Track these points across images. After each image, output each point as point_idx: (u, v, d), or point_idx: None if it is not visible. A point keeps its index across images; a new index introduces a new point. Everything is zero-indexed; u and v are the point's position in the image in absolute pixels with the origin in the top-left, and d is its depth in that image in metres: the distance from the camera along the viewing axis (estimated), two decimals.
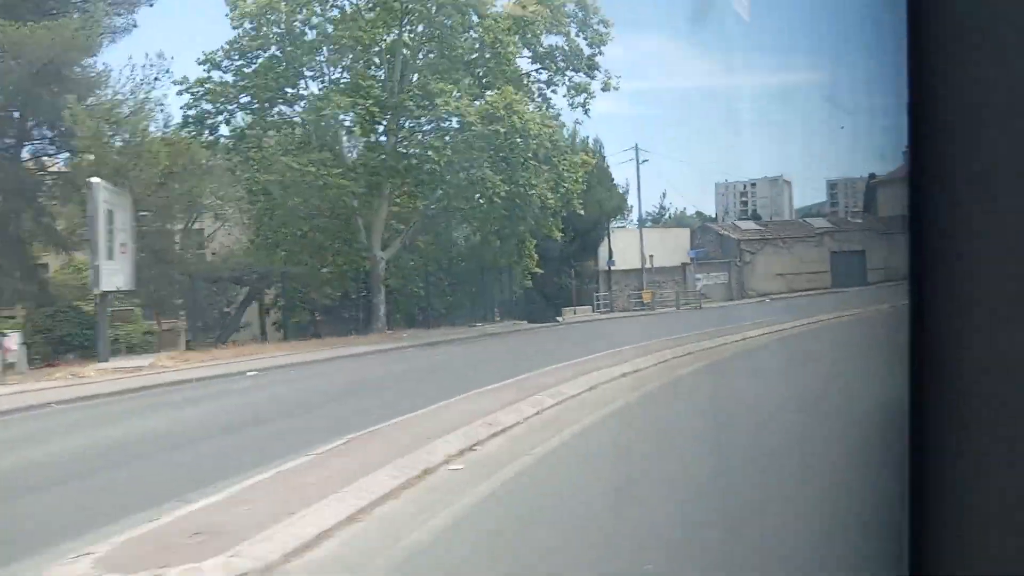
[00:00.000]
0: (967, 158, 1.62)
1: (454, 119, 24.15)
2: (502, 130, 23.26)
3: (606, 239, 43.36)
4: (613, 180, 53.73)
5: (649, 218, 63.73)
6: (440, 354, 22.06)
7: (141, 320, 25.51)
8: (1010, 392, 1.58)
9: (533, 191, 25.72)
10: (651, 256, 43.34)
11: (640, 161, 43.56)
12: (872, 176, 61.57)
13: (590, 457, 8.39)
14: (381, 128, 25.62)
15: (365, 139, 25.84)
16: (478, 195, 24.30)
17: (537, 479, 7.32)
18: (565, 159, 27.86)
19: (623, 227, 52.53)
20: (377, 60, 26.94)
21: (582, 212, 29.57)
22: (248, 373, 18.26)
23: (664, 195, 70.51)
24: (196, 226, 28.11)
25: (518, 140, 23.77)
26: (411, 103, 24.03)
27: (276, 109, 27.43)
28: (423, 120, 24.34)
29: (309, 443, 8.30)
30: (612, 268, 43.34)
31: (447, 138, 24.45)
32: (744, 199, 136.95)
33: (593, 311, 36.54)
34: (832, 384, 10.53)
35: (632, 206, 65.76)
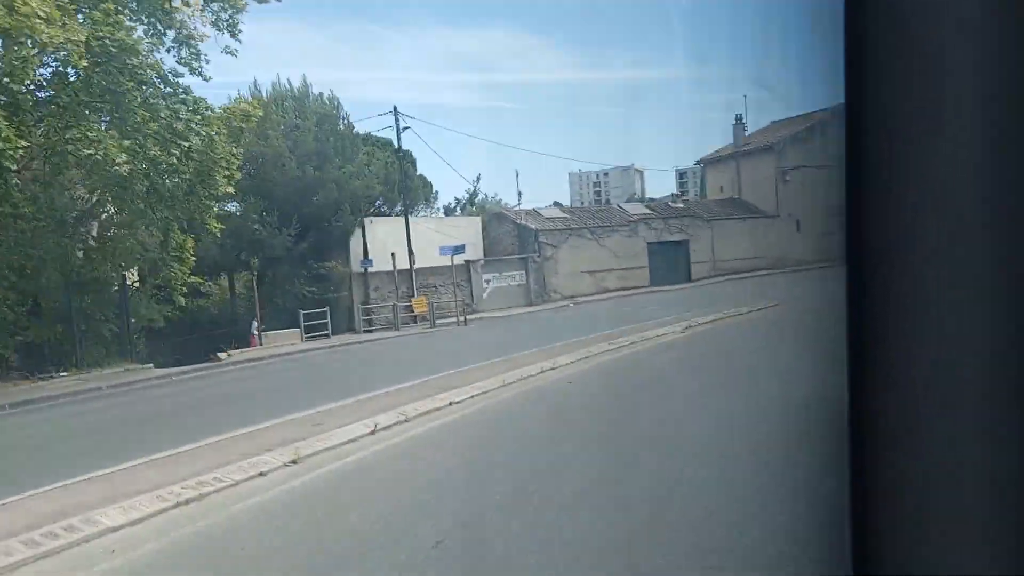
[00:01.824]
0: (906, 141, 1.54)
1: None
2: None
3: (360, 232, 32.76)
4: (403, 156, 43.57)
5: (458, 205, 54.06)
6: None
7: None
8: (952, 384, 1.53)
9: (90, 149, 14.59)
10: (392, 253, 33.15)
11: (401, 128, 33.17)
12: (699, 161, 54.20)
13: None
14: None
15: None
16: None
17: None
18: (179, 103, 16.83)
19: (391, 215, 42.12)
20: None
21: (231, 190, 18.76)
22: None
23: (479, 179, 61.03)
24: None
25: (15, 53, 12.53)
26: None
27: None
28: None
29: None
30: (369, 270, 32.84)
31: None
32: (597, 188, 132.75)
33: (303, 338, 25.62)
34: None
35: (437, 191, 55.85)
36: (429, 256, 34.35)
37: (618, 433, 8.29)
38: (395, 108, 33.05)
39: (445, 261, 35.86)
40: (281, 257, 30.15)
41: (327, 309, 26.82)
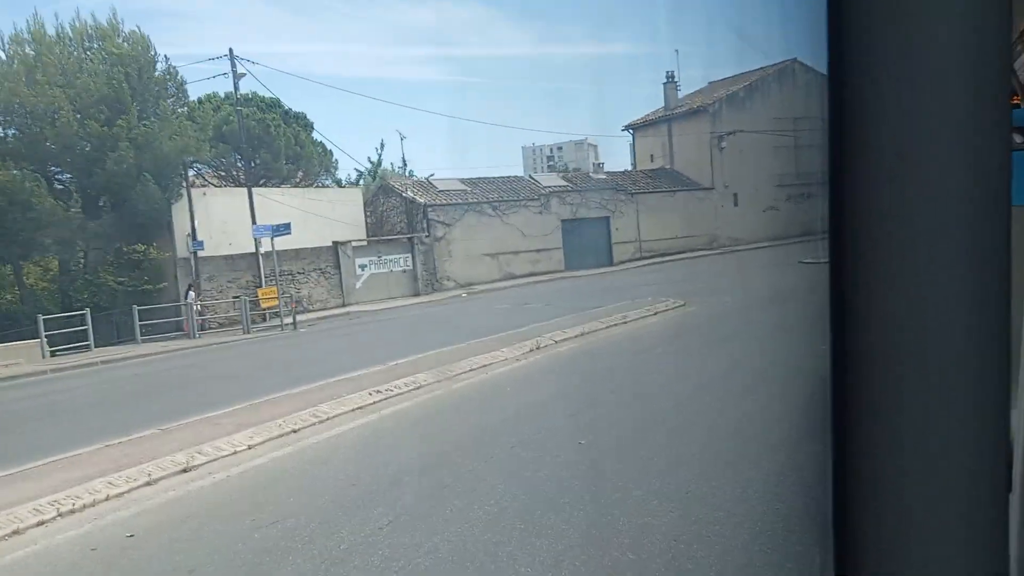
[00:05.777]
0: (889, 114, 1.42)
1: None
2: None
3: (188, 206, 25.99)
4: (293, 119, 36.58)
5: (362, 175, 47.11)
6: None
7: None
8: (938, 388, 1.45)
9: None
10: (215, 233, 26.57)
11: (238, 75, 26.34)
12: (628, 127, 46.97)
13: None
14: None
15: None
16: None
17: None
18: None
19: (322, 185, 35.11)
20: None
21: None
22: None
23: (383, 146, 53.87)
24: None
25: None
26: None
27: None
28: None
29: None
30: (199, 253, 26.16)
31: None
32: (551, 163, 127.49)
33: (44, 354, 18.76)
34: None
35: (337, 160, 48.81)
36: (289, 238, 27.63)
37: None
38: (231, 50, 26.19)
39: (311, 242, 29.43)
40: (71, 239, 23.38)
41: (86, 312, 20.08)
